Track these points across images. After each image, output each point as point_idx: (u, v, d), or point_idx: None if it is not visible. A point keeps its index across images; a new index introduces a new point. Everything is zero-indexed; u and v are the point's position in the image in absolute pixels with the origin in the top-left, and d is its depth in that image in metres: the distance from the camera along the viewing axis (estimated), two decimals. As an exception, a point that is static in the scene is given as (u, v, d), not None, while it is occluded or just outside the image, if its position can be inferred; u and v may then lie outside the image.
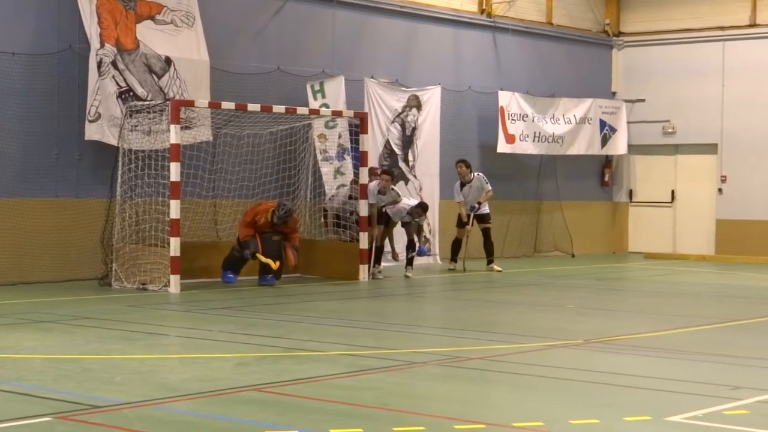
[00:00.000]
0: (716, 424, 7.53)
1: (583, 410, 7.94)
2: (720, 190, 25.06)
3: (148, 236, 16.97)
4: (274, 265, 16.89)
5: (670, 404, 8.18)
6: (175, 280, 16.09)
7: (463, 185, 20.80)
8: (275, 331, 12.06)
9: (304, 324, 12.75)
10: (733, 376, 9.51)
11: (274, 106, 17.88)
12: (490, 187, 20.74)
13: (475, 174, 20.85)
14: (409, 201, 19.35)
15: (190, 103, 17.25)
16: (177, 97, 17.63)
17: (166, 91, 17.94)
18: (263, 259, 16.89)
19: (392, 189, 19.08)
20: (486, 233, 20.94)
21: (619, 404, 8.23)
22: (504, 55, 24.43)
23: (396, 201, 18.88)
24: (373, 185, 18.64)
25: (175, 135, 16.37)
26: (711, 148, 25.31)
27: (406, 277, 18.94)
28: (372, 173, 18.96)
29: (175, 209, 16.27)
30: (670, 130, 25.94)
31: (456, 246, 20.92)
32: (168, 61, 18.13)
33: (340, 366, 9.71)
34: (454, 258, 20.90)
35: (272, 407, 8.01)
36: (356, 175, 19.03)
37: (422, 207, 19.36)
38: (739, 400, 8.31)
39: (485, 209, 20.83)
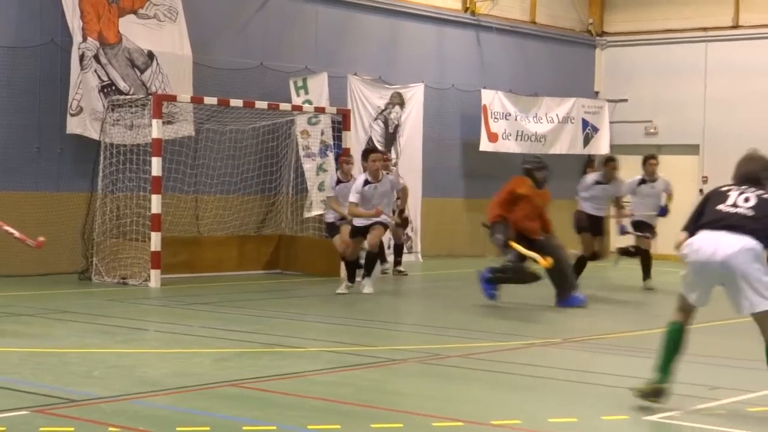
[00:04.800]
0: (693, 424, 7.57)
1: (562, 408, 7.96)
2: (701, 191, 25.10)
3: (129, 231, 16.94)
4: (545, 261, 13.78)
5: (648, 403, 8.19)
6: (155, 275, 16.05)
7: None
8: (255, 326, 12.04)
9: (284, 320, 12.74)
10: (711, 376, 9.54)
11: (256, 102, 17.88)
12: (670, 189, 17.86)
13: (660, 176, 17.88)
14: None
15: (172, 98, 17.21)
16: (159, 92, 17.58)
17: (148, 86, 17.89)
18: (522, 250, 13.85)
19: (386, 173, 16.36)
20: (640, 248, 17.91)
21: (597, 403, 8.24)
22: (487, 53, 24.44)
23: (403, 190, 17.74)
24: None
25: (157, 130, 16.34)
26: (693, 149, 25.39)
27: (400, 272, 18.63)
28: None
29: (156, 204, 16.24)
30: (652, 130, 26.00)
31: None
32: (150, 56, 18.08)
33: (320, 362, 9.71)
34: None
35: (250, 403, 8.00)
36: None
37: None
38: (717, 400, 8.35)
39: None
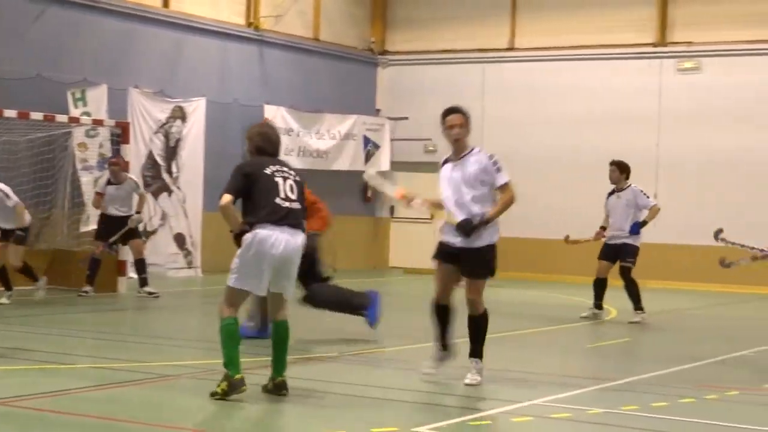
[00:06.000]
0: (459, 435, 7.79)
1: (333, 422, 8.06)
2: (477, 207, 25.73)
3: None
4: None
5: (418, 415, 8.40)
6: None
7: (610, 195, 16.25)
8: (24, 343, 11.72)
9: (54, 336, 12.43)
10: (479, 387, 9.78)
11: (31, 113, 17.40)
12: (653, 202, 16.03)
13: (632, 185, 16.12)
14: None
15: (-60, 107, 16.62)
16: (-72, 101, 16.96)
17: None
18: None
19: (130, 178, 17.45)
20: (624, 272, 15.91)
21: (368, 416, 8.38)
22: (270, 69, 24.51)
23: (141, 196, 17.46)
24: (104, 180, 17.47)
25: (-76, 140, 15.77)
26: (470, 167, 25.98)
27: (150, 294, 17.29)
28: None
29: None
30: (431, 148, 26.51)
31: (601, 286, 16.09)
32: None
33: (90, 379, 9.54)
34: (598, 304, 16.20)
35: (16, 421, 7.80)
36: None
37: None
38: (483, 411, 8.60)
39: (629, 239, 15.86)
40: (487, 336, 13.74)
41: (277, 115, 23.75)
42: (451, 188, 9.89)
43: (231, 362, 8.67)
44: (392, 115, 26.75)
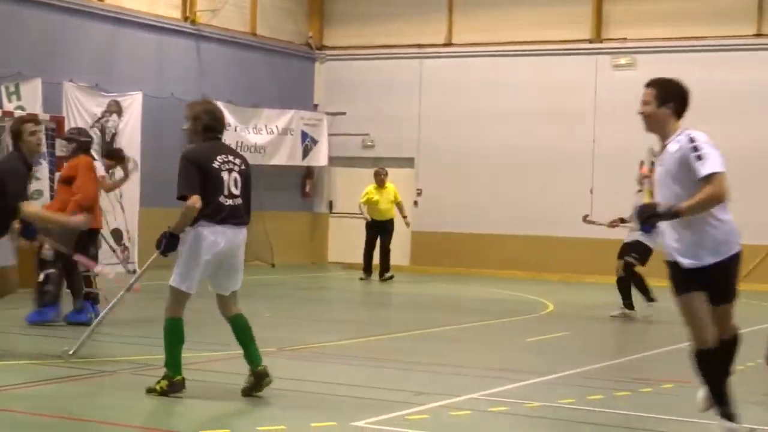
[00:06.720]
0: (398, 429, 7.81)
1: (272, 417, 8.06)
2: (416, 202, 25.83)
3: None
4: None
5: (356, 410, 8.39)
6: None
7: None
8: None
9: (-11, 333, 12.31)
10: (417, 382, 9.84)
11: (-36, 107, 17.21)
12: None
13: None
14: None
15: None
16: None
17: None
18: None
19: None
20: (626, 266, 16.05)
21: (307, 410, 8.38)
22: (207, 63, 24.39)
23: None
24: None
25: None
26: (408, 162, 26.08)
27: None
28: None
29: None
30: (369, 143, 26.55)
31: (633, 285, 16.04)
32: None
33: (23, 375, 9.43)
34: (628, 303, 16.07)
35: (-51, 419, 7.71)
36: (52, 180, 18.54)
37: None
38: (421, 405, 8.63)
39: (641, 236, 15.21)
40: (427, 331, 13.81)
41: (214, 109, 23.61)
42: (659, 186, 7.54)
43: (173, 362, 8.61)
44: (330, 110, 26.72)
